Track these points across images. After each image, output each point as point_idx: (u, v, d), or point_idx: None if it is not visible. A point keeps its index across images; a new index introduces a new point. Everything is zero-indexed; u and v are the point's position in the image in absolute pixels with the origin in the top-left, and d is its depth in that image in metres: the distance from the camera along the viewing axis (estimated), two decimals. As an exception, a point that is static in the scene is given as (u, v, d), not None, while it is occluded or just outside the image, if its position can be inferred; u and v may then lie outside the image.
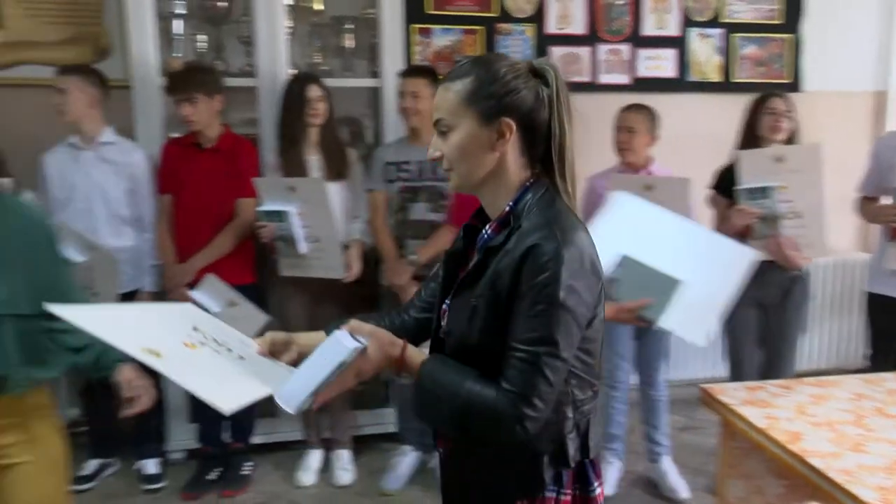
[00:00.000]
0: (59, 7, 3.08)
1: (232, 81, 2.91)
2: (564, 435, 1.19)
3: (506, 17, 3.47)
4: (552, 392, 1.12)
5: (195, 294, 2.70)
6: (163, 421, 3.03)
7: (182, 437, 3.06)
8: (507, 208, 1.20)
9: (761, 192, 2.57)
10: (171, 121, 2.95)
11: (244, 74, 3.03)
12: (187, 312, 1.34)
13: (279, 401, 1.11)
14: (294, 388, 1.12)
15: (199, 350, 1.22)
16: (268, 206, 2.66)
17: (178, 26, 3.01)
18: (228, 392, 1.13)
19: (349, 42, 3.18)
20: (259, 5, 2.88)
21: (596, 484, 1.26)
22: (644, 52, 3.64)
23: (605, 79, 3.61)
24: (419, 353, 1.20)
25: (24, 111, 3.04)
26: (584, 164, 2.99)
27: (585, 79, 3.58)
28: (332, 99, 2.81)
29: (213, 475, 2.92)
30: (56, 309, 1.18)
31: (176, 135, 2.95)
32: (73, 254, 2.60)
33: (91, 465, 2.96)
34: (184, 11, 2.99)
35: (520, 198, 1.19)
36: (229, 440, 2.99)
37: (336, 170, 2.82)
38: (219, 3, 3.01)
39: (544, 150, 1.21)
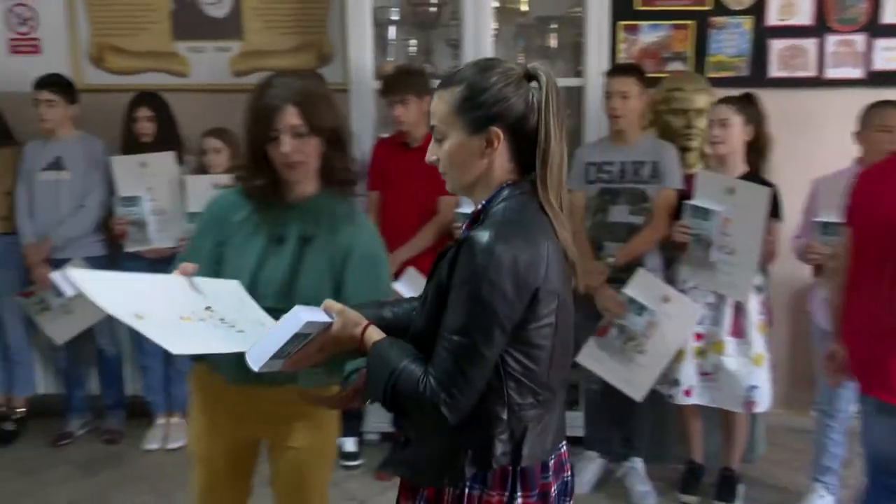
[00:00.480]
0: (290, 18, 3.41)
1: (439, 83, 3.04)
2: (493, 434, 1.19)
3: (720, 9, 3.27)
4: (469, 384, 1.14)
5: (397, 285, 2.86)
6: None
7: (378, 419, 3.26)
8: (480, 206, 1.24)
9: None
10: (382, 121, 3.15)
11: (448, 76, 3.15)
12: (215, 295, 1.49)
13: (247, 358, 1.26)
14: (257, 350, 1.27)
15: (193, 323, 1.40)
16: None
17: (391, 32, 3.20)
18: (184, 342, 1.32)
19: (553, 42, 3.19)
20: (467, 9, 2.98)
21: (519, 494, 1.21)
22: (882, 43, 3.26)
23: (833, 73, 3.28)
24: (378, 334, 1.27)
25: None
26: (807, 167, 2.79)
27: (810, 73, 3.28)
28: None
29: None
30: (72, 272, 1.41)
31: (385, 135, 3.15)
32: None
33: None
34: (397, 18, 3.18)
35: (493, 197, 1.22)
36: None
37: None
38: (430, 9, 3.16)
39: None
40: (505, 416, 1.19)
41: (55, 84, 3.15)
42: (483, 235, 1.14)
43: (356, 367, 1.35)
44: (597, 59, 3.00)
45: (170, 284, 1.48)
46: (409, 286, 2.83)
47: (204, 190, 2.95)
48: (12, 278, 3.30)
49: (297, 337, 1.27)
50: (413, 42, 3.26)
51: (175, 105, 3.26)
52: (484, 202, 1.24)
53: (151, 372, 3.37)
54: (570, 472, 1.34)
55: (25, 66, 3.36)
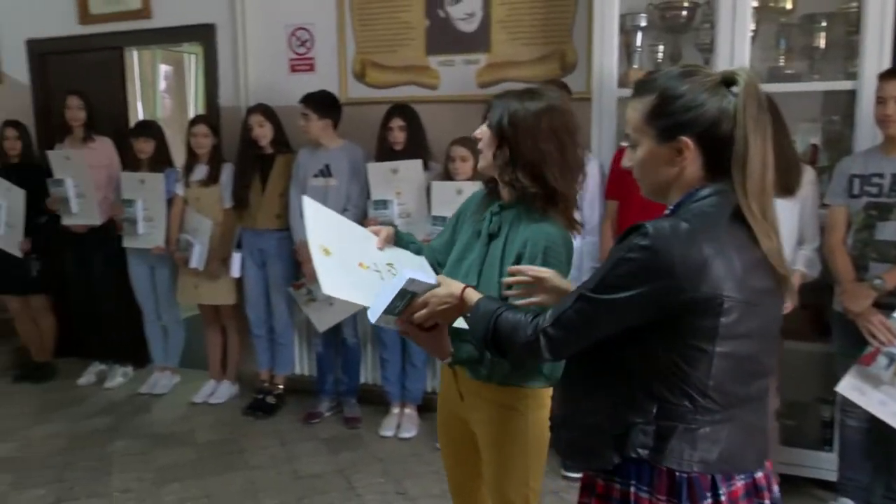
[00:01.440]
0: (536, 29, 3.50)
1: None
2: (635, 423, 1.21)
3: None
4: (574, 335, 1.24)
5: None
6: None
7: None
8: (669, 211, 1.25)
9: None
10: (623, 130, 3.11)
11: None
12: (402, 260, 1.82)
13: (367, 312, 1.53)
14: (374, 305, 1.51)
15: (367, 272, 1.70)
16: None
17: (638, 38, 3.14)
18: (337, 286, 1.59)
19: (821, 41, 2.91)
20: (723, 10, 2.84)
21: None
22: None
23: None
24: (476, 294, 1.44)
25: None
26: None
27: None
28: (783, 107, 2.62)
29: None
30: (306, 199, 1.78)
31: (626, 143, 3.10)
32: None
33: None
34: (644, 24, 3.12)
35: (685, 199, 1.23)
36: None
37: (784, 184, 2.62)
38: (681, 13, 3.05)
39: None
40: (653, 410, 1.20)
41: (309, 100, 3.57)
42: (653, 223, 1.16)
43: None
44: (875, 59, 2.68)
45: (370, 238, 1.84)
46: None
47: (448, 195, 3.14)
48: (283, 270, 3.79)
49: (402, 293, 1.50)
50: (660, 48, 3.17)
51: (424, 115, 3.51)
52: (672, 207, 1.25)
53: (390, 364, 3.65)
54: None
55: (302, 82, 3.84)
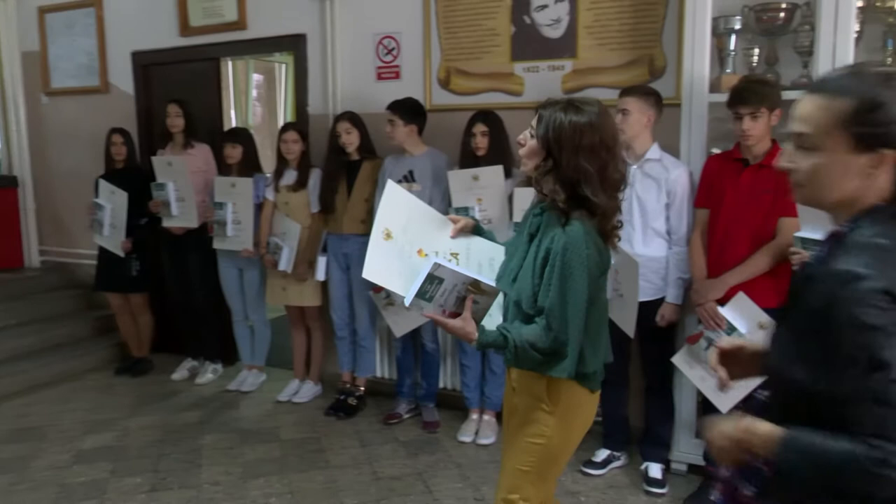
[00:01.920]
0: (624, 34, 3.46)
1: (786, 94, 2.82)
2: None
3: None
4: None
5: (724, 310, 2.72)
6: (672, 429, 3.14)
7: (687, 449, 3.12)
8: (842, 228, 1.13)
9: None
10: (714, 136, 3.03)
11: (796, 87, 2.90)
12: (472, 250, 1.96)
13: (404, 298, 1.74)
14: (410, 291, 1.68)
15: (423, 259, 1.84)
16: None
17: (732, 42, 3.05)
18: (381, 274, 1.80)
19: (934, 42, 2.75)
20: (825, 11, 2.72)
21: None
22: None
23: None
24: (777, 429, 1.13)
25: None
26: None
27: None
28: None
29: (714, 496, 2.91)
30: (390, 183, 1.99)
31: (716, 150, 3.02)
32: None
33: (601, 453, 3.27)
34: (739, 26, 3.03)
35: (859, 219, 1.11)
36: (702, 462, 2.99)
37: None
38: (778, 14, 2.95)
39: None
40: None
41: (395, 106, 3.64)
42: (850, 262, 1.05)
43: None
44: None
45: (446, 226, 1.97)
46: (738, 312, 2.68)
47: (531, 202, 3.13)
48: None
49: (430, 278, 1.65)
50: (755, 51, 3.07)
51: (508, 122, 3.52)
52: (849, 224, 1.13)
53: (470, 370, 3.68)
54: None
55: (388, 90, 3.93)
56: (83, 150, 5.19)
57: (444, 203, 3.60)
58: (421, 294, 1.68)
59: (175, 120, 4.37)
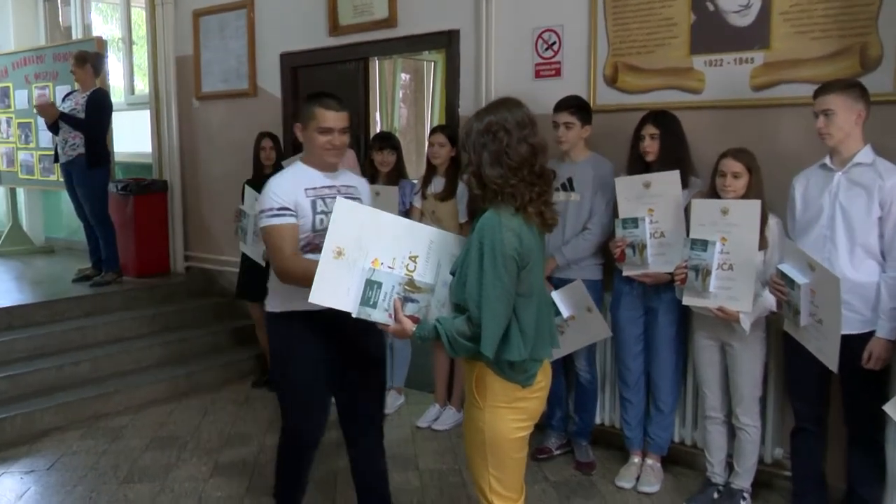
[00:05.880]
0: (830, 20, 3.21)
1: None
2: None
3: None
4: None
5: None
6: (881, 492, 2.86)
7: None
8: None
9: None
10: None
11: None
12: (436, 248, 2.22)
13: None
14: (354, 302, 2.13)
15: (379, 270, 2.13)
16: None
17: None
18: (327, 295, 2.12)
19: None
20: None
21: None
22: None
23: None
24: None
25: (783, 132, 3.33)
26: None
27: None
28: None
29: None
30: (340, 199, 2.25)
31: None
32: (796, 274, 2.70)
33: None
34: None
35: None
36: None
37: None
38: None
39: None
40: None
41: (574, 106, 3.57)
42: None
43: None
44: None
45: (410, 229, 2.22)
46: None
47: (712, 216, 2.98)
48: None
49: (369, 284, 2.02)
50: None
51: (686, 123, 3.38)
52: None
53: (632, 406, 3.55)
54: None
55: (547, 88, 3.91)
56: (230, 154, 5.59)
57: (608, 214, 3.50)
58: (365, 302, 2.04)
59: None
